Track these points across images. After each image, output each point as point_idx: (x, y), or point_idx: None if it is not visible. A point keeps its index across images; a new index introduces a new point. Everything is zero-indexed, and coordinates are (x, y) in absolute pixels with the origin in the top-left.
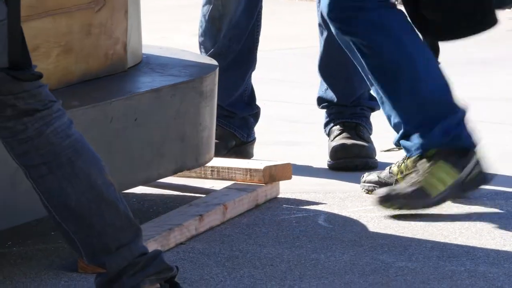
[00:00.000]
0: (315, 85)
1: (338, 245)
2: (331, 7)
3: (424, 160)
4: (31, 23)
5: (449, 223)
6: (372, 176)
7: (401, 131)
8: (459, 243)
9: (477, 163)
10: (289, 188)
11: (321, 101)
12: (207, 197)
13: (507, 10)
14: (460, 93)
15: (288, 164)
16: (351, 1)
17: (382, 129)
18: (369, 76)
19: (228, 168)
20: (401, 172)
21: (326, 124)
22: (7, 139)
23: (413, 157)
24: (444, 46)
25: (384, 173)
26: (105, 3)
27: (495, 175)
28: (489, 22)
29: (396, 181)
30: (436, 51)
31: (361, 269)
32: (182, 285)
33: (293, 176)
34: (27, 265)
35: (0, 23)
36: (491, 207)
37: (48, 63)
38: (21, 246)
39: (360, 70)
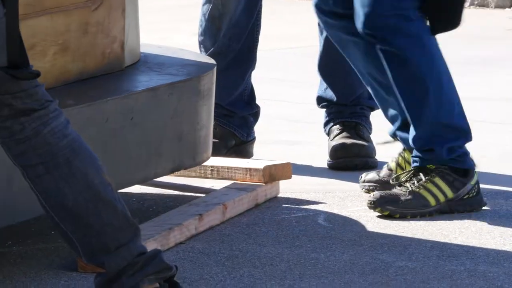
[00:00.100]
0: (315, 85)
1: (338, 244)
2: (371, 15)
3: (422, 173)
4: (28, 21)
5: (449, 222)
6: (371, 175)
7: (397, 123)
8: (459, 242)
9: (474, 186)
10: (289, 188)
11: (320, 100)
12: (207, 196)
13: (507, 10)
14: (460, 93)
15: (288, 163)
16: (393, 9)
17: (382, 129)
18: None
19: (228, 168)
20: (400, 166)
21: (325, 124)
22: (4, 139)
23: (414, 168)
24: (444, 46)
25: (384, 172)
26: (102, 1)
27: (496, 174)
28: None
29: (395, 180)
30: None
31: (361, 268)
32: (182, 285)
33: (293, 176)
34: (27, 265)
35: None
36: (491, 206)
37: (45, 61)
38: (21, 245)
39: (356, 72)
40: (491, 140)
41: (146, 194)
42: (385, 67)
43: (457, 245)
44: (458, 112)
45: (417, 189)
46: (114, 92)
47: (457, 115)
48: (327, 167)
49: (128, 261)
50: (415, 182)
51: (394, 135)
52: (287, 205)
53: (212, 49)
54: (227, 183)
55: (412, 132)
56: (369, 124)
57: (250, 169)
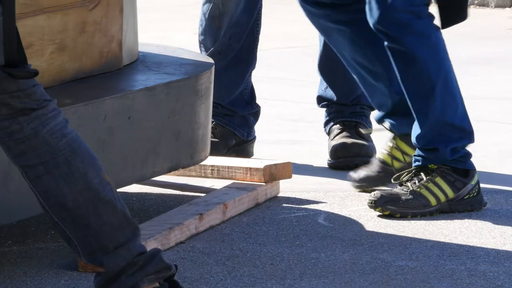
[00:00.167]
0: (315, 84)
1: (338, 244)
2: (388, 9)
3: (423, 172)
4: (26, 20)
5: (449, 222)
6: (363, 173)
7: (385, 108)
8: (459, 242)
9: (475, 186)
10: (289, 187)
11: (320, 100)
12: (207, 196)
13: (507, 10)
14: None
15: (288, 163)
16: (408, 4)
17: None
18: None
19: (228, 167)
20: (393, 157)
21: (326, 123)
22: (3, 139)
23: (415, 168)
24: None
25: (376, 166)
26: (100, 0)
27: (495, 174)
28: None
29: (393, 172)
30: None
31: (361, 268)
32: (182, 284)
33: (293, 175)
34: (27, 264)
35: None
36: (491, 206)
37: (42, 60)
38: (22, 245)
39: (341, 59)
40: (491, 140)
41: (146, 193)
42: (392, 64)
43: (458, 245)
44: (461, 112)
45: (418, 189)
46: (111, 91)
47: (460, 115)
48: (327, 166)
49: (128, 260)
50: (416, 181)
51: (381, 121)
52: (287, 205)
53: (212, 48)
54: (227, 182)
55: (416, 130)
56: (369, 123)
57: (250, 168)
